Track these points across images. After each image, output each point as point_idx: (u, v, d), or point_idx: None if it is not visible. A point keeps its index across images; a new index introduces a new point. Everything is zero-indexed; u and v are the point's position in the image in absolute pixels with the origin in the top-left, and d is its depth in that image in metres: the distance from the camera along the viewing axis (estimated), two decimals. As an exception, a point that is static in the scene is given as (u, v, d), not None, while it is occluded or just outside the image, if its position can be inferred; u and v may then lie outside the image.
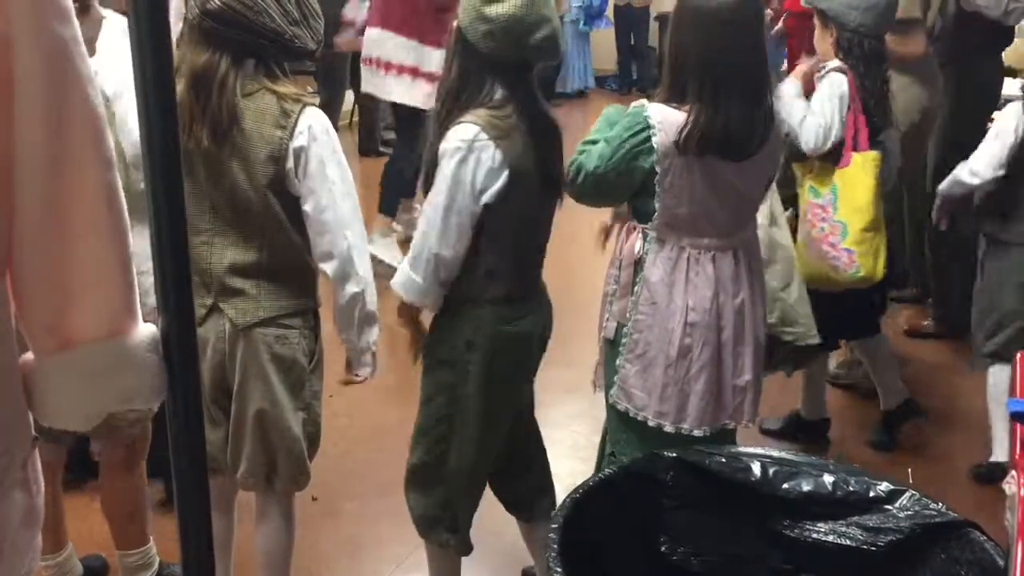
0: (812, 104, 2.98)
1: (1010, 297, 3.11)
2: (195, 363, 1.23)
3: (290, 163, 2.04)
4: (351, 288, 2.12)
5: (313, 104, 2.09)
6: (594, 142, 2.21)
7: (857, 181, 2.93)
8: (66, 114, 1.12)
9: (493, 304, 2.17)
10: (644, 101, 2.17)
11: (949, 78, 3.99)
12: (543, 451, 2.49)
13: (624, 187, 2.19)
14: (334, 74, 7.17)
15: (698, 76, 2.10)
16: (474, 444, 2.26)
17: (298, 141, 2.03)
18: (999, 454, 3.07)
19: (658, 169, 2.11)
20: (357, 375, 2.27)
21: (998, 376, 3.11)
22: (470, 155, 2.04)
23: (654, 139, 2.10)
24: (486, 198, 2.07)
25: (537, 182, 2.15)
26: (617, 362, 2.27)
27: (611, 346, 2.31)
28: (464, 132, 2.06)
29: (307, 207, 2.07)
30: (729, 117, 2.08)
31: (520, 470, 2.43)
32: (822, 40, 3.04)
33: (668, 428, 2.22)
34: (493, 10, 2.01)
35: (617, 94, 10.62)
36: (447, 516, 2.32)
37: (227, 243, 2.10)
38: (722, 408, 2.26)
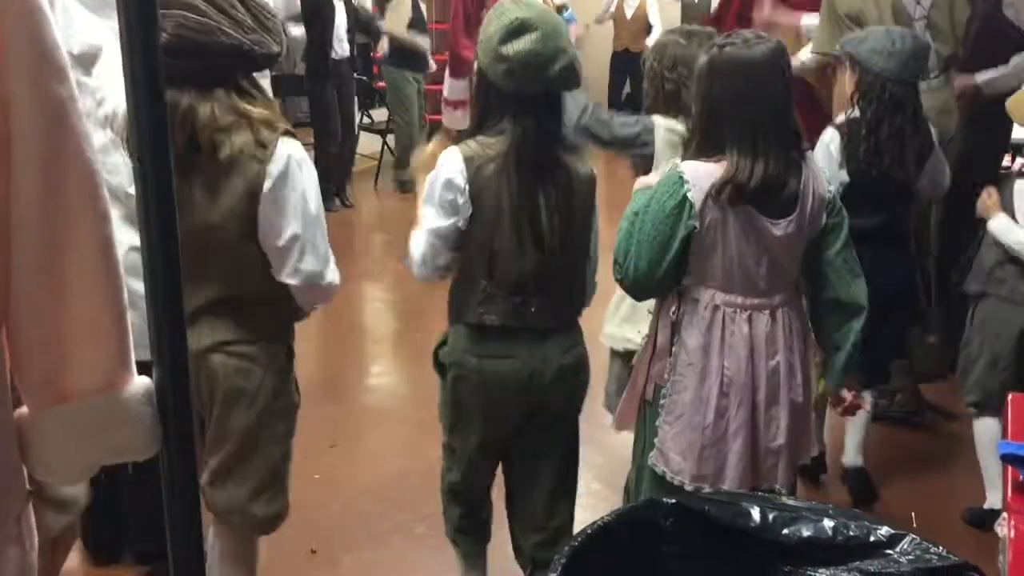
0: None
1: None
2: (189, 415, 1.23)
3: (266, 189, 2.00)
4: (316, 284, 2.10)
5: (290, 133, 2.06)
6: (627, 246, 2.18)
7: None
8: (62, 171, 1.14)
9: (469, 328, 2.21)
10: (676, 161, 2.21)
11: (962, 114, 3.88)
12: (548, 515, 2.35)
13: (671, 264, 2.16)
14: (322, 106, 7.13)
15: (736, 126, 2.11)
16: (450, 452, 2.35)
17: (275, 170, 2.00)
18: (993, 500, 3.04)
19: (696, 224, 2.12)
20: None
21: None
22: (439, 171, 2.15)
23: (690, 194, 2.11)
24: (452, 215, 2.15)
25: (511, 217, 2.13)
26: (656, 423, 2.27)
27: (650, 407, 2.31)
28: (446, 154, 2.16)
29: (277, 240, 2.04)
30: (767, 165, 2.10)
31: (518, 518, 2.39)
32: (849, 84, 3.09)
33: (707, 491, 2.19)
34: (510, 48, 2.05)
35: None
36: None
37: (192, 281, 2.05)
38: (756, 470, 2.24)
